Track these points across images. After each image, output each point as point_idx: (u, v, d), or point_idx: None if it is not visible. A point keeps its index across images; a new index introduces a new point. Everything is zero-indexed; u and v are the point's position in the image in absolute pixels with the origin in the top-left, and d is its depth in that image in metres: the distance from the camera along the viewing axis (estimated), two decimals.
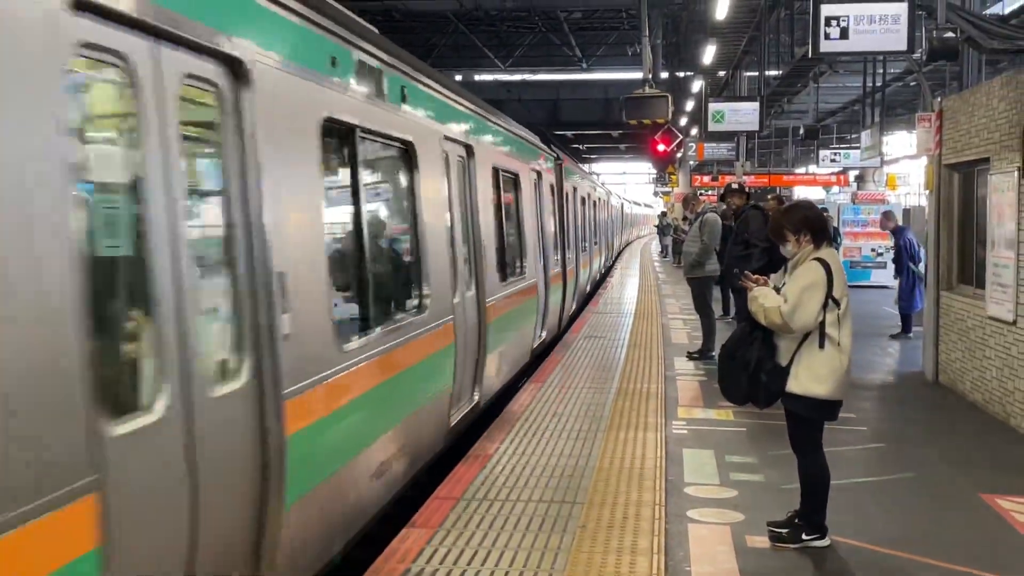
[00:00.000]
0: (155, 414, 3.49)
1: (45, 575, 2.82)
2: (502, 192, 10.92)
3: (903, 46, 11.10)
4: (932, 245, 11.31)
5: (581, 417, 8.82)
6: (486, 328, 9.03)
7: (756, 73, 25.72)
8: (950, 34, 11.22)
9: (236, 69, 4.23)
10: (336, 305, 5.57)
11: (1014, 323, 8.70)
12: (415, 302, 7.11)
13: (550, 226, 14.69)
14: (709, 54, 22.73)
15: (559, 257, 15.55)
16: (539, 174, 13.76)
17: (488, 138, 10.17)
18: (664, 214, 47.78)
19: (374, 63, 6.25)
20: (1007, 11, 22.11)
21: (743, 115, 22.60)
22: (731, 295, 15.04)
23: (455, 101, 8.68)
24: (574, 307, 18.37)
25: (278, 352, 4.41)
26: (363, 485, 5.75)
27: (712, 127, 22.76)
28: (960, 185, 10.85)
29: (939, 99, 11.34)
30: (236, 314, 4.26)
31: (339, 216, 5.87)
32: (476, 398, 8.91)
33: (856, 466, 7.44)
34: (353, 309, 6.02)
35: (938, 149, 11.00)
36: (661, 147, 22.99)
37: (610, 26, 32.30)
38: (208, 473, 3.79)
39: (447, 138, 8.19)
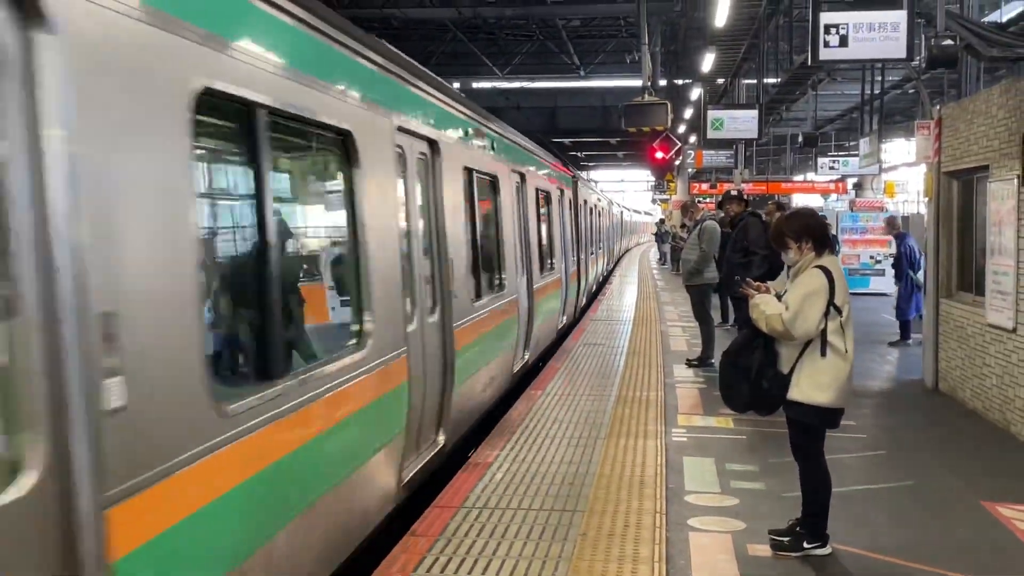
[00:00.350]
0: None
1: None
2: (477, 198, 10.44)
3: (902, 54, 11.11)
4: (931, 252, 11.30)
5: (581, 424, 8.80)
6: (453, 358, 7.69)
7: (755, 81, 25.78)
8: (949, 42, 11.24)
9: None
10: (214, 354, 4.11)
11: (1014, 331, 8.69)
12: (349, 339, 5.60)
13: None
14: (708, 62, 22.75)
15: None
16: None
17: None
18: (662, 221, 47.80)
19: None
20: (1005, 19, 22.17)
21: (742, 123, 22.63)
22: (729, 303, 15.03)
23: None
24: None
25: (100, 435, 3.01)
26: None
27: (711, 135, 22.79)
28: (959, 193, 10.86)
29: (938, 107, 11.36)
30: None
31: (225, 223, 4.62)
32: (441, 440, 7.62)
33: (857, 473, 7.43)
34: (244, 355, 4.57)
35: (937, 157, 11.00)
36: (660, 154, 23.01)
37: (608, 34, 32.39)
38: None
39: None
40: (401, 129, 6.53)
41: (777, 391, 5.52)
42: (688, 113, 30.94)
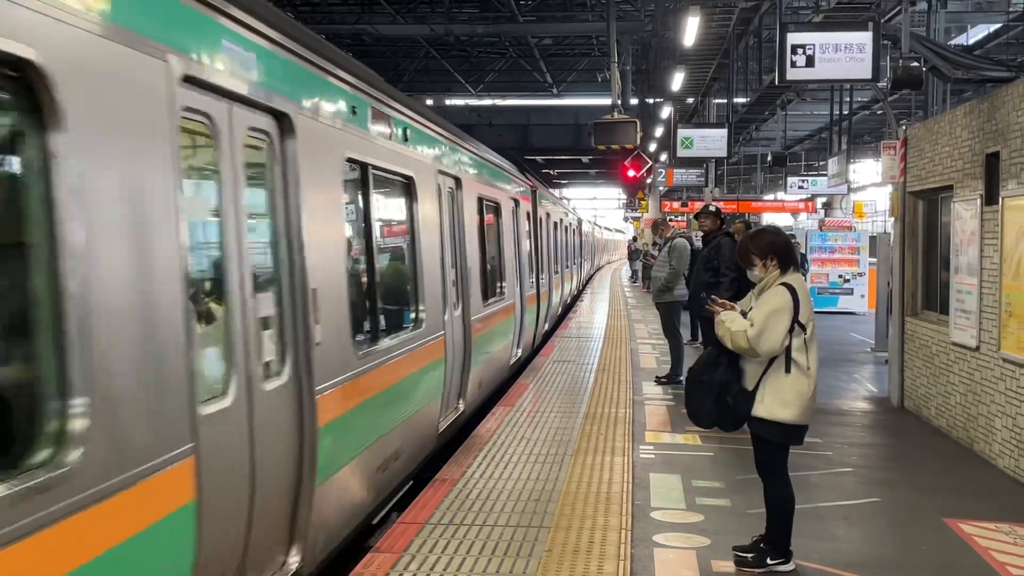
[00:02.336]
0: None
1: None
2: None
3: (868, 74, 11.23)
4: (897, 271, 11.41)
5: (549, 441, 8.80)
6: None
7: (724, 100, 25.95)
8: (915, 63, 11.38)
9: None
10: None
11: (977, 349, 8.78)
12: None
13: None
14: (678, 81, 22.90)
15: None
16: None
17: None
18: (634, 239, 47.98)
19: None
20: (971, 41, 22.51)
21: (712, 141, 22.78)
22: (698, 321, 15.08)
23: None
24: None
25: None
26: None
27: (681, 153, 22.93)
28: (924, 212, 10.97)
29: (904, 127, 11.48)
30: None
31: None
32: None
33: (822, 490, 7.47)
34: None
35: (903, 176, 11.12)
36: (631, 172, 23.12)
37: (580, 52, 32.54)
38: None
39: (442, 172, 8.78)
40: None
41: (742, 408, 5.55)
42: (659, 131, 31.11)
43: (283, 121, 5.10)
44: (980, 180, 8.74)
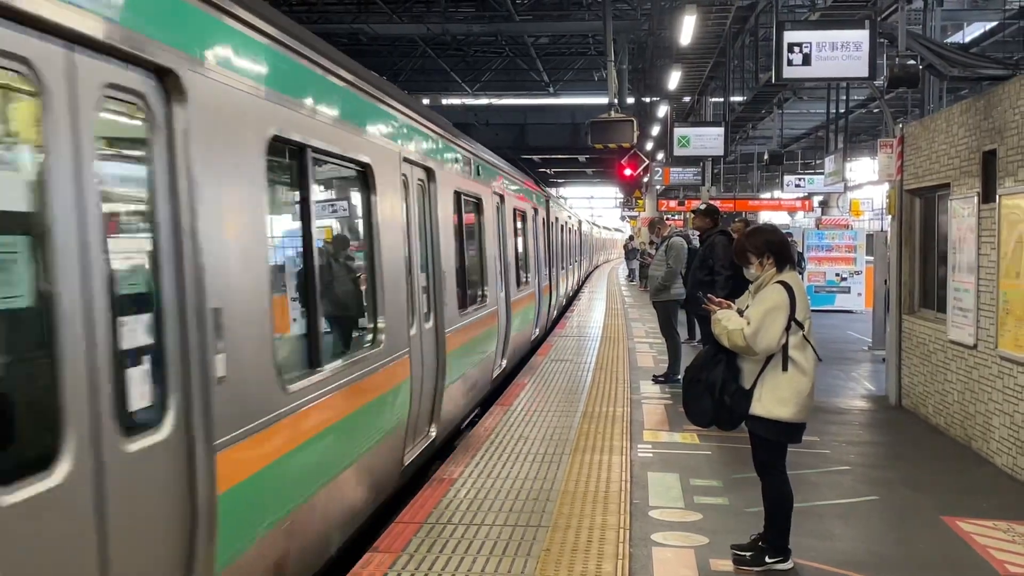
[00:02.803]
0: None
1: None
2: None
3: (865, 73, 11.23)
4: (894, 270, 11.41)
5: (546, 440, 8.79)
6: None
7: (721, 99, 25.96)
8: (911, 61, 11.38)
9: None
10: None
11: (975, 347, 8.78)
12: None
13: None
14: (674, 79, 22.90)
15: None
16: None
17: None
18: (631, 238, 48.00)
19: None
20: (968, 39, 22.52)
21: (708, 140, 22.77)
22: (695, 320, 15.07)
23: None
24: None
25: None
26: None
27: (678, 152, 22.91)
28: (921, 210, 10.97)
29: (900, 125, 11.48)
30: None
31: None
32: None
33: (819, 489, 7.47)
34: None
35: (900, 175, 11.12)
36: (628, 171, 23.13)
37: (577, 51, 32.53)
38: None
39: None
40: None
41: (740, 406, 5.55)
42: (656, 130, 31.12)
43: (167, 79, 3.85)
44: (977, 178, 8.74)
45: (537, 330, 16.57)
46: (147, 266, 3.83)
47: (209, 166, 4.10)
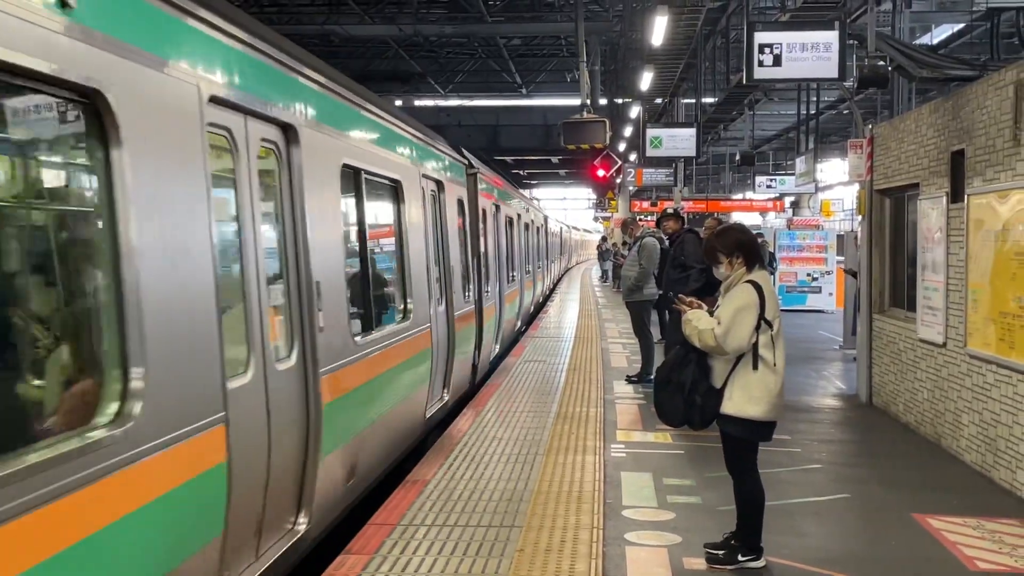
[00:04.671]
0: None
1: None
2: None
3: (834, 74, 11.27)
4: (864, 269, 11.50)
5: (520, 441, 8.79)
6: None
7: (693, 100, 26.04)
8: (880, 63, 11.44)
9: None
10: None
11: (944, 345, 8.86)
12: None
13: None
14: (646, 81, 22.93)
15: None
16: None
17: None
18: (604, 239, 48.08)
19: None
20: (936, 41, 22.70)
21: (680, 141, 22.80)
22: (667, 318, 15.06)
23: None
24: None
25: None
26: None
27: (650, 152, 22.91)
28: (891, 210, 11.06)
29: (870, 126, 11.57)
30: None
31: None
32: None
33: (792, 487, 7.51)
34: None
35: (870, 175, 11.21)
36: (600, 172, 23.17)
37: (549, 53, 32.56)
38: None
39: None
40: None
41: (711, 406, 5.57)
42: (628, 131, 31.19)
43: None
44: (946, 178, 8.82)
45: (519, 325, 16.76)
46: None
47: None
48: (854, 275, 13.94)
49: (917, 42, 21.45)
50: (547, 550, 5.83)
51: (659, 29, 16.28)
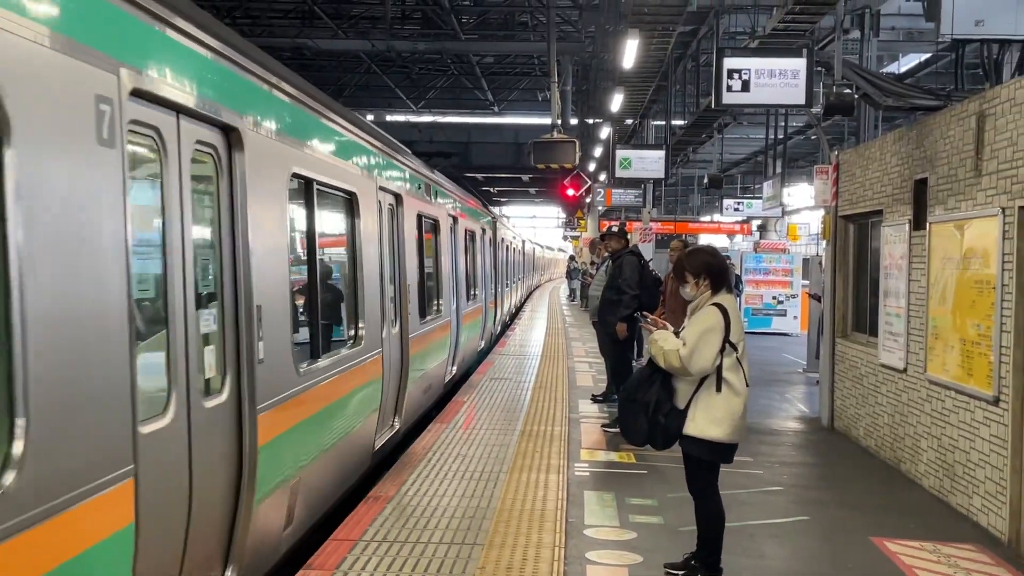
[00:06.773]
0: None
1: None
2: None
3: (802, 100, 11.44)
4: (828, 294, 11.62)
5: (484, 459, 8.80)
6: None
7: (663, 122, 26.22)
8: (847, 90, 11.61)
9: None
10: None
11: (905, 371, 8.97)
12: None
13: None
14: (617, 102, 23.08)
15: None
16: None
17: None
18: (572, 258, 48.20)
19: None
20: (902, 70, 23.02)
21: (649, 162, 22.97)
22: (605, 338, 14.17)
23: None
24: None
25: None
26: None
27: (619, 173, 23.07)
28: (855, 236, 11.19)
29: (836, 152, 11.71)
30: None
31: None
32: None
33: (752, 509, 7.56)
34: None
35: (835, 200, 11.34)
36: (570, 191, 23.27)
37: (522, 71, 32.70)
38: None
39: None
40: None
41: (673, 426, 5.61)
42: (598, 151, 31.35)
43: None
44: (909, 205, 8.95)
45: (482, 344, 17.02)
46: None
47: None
48: (818, 299, 14.08)
49: (884, 71, 21.76)
50: (508, 568, 5.84)
51: (630, 52, 16.41)
